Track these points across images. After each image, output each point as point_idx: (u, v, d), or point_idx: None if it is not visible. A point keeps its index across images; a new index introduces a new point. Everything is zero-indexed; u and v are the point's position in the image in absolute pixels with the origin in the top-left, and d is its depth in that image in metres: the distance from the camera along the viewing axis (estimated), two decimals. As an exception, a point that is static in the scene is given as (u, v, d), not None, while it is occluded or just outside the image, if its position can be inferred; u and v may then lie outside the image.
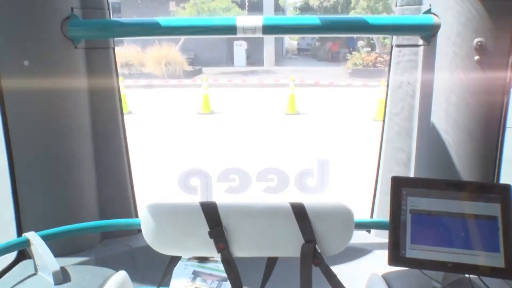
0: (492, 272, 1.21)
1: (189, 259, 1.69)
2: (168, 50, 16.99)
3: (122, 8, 21.54)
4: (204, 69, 18.52)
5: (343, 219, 1.21)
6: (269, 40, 19.57)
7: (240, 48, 20.30)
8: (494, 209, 1.24)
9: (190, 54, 18.87)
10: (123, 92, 8.91)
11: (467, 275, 1.28)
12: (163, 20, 1.80)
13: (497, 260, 1.20)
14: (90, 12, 1.77)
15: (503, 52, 1.56)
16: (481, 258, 1.21)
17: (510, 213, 1.23)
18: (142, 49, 17.31)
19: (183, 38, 15.19)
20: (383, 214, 1.96)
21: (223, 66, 19.92)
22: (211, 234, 1.20)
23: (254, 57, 20.55)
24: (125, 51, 17.46)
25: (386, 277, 1.35)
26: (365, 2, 16.82)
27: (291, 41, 28.68)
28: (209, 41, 19.61)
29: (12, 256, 1.66)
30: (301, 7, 24.81)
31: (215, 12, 19.04)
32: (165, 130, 8.08)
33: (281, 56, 23.34)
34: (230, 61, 20.76)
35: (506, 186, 1.25)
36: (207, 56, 20.28)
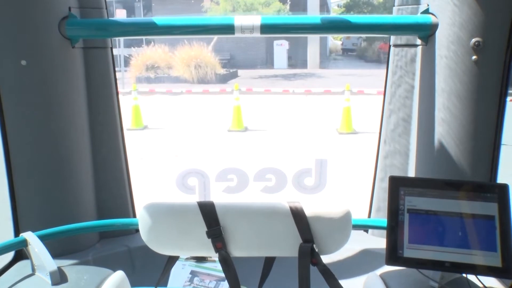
0: (489, 271, 1.21)
1: (187, 259, 1.69)
2: (199, 50, 15.34)
3: (154, 6, 20.90)
4: (240, 71, 16.71)
5: (341, 219, 1.21)
6: (314, 40, 17.82)
7: (280, 48, 18.48)
8: (491, 208, 1.24)
9: (225, 55, 17.23)
10: (136, 102, 8.34)
11: (464, 274, 1.28)
12: (161, 19, 1.80)
13: (494, 260, 1.21)
14: (87, 12, 1.76)
15: (501, 52, 1.56)
16: (479, 258, 1.22)
17: (508, 212, 1.23)
18: (171, 49, 15.77)
19: (216, 37, 13.81)
20: (381, 214, 1.97)
21: (262, 68, 18.09)
22: (209, 234, 1.20)
23: (296, 58, 18.66)
24: (152, 51, 16.17)
25: (383, 277, 1.35)
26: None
27: (334, 41, 27.28)
28: (246, 41, 18.03)
29: (9, 256, 1.66)
30: (346, 4, 23.79)
31: (253, 7, 17.55)
32: (185, 155, 6.34)
33: (325, 57, 21.54)
34: (269, 62, 18.96)
35: (503, 186, 1.26)
36: (244, 57, 18.66)
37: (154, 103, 11.15)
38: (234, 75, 16.13)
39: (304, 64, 18.21)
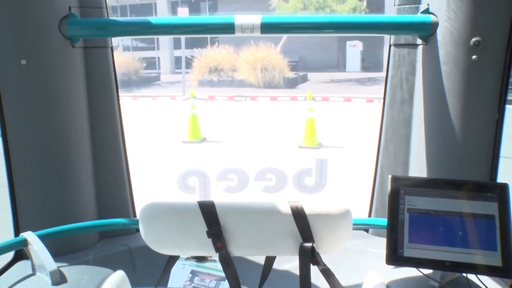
0: (490, 270, 1.21)
1: (187, 258, 1.69)
2: (266, 51, 14.22)
3: (219, 4, 20.84)
4: (309, 75, 15.44)
5: (341, 218, 1.21)
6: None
7: (354, 50, 17.06)
8: (491, 208, 1.24)
9: (293, 57, 16.13)
10: (194, 111, 7.45)
11: (464, 274, 1.28)
12: (160, 19, 1.80)
13: (495, 259, 1.21)
14: (88, 11, 1.76)
15: (501, 51, 1.56)
16: (479, 257, 1.22)
17: (508, 212, 1.23)
18: (236, 50, 14.67)
19: (285, 36, 12.85)
20: (381, 213, 1.97)
21: (333, 71, 16.74)
22: (209, 234, 1.20)
23: (369, 60, 17.07)
24: (215, 52, 15.24)
25: (384, 276, 1.35)
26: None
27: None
28: (317, 41, 16.94)
29: (9, 256, 1.66)
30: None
31: (325, 4, 16.31)
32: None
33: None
34: (341, 65, 17.70)
35: (503, 185, 1.26)
36: (313, 58, 17.48)
37: (214, 110, 10.32)
38: (304, 79, 14.79)
39: (379, 67, 16.17)
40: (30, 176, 1.74)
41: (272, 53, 14.30)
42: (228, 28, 1.67)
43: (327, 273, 1.20)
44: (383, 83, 1.87)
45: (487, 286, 1.26)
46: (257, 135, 7.65)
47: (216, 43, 16.11)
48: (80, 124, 1.81)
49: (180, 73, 16.81)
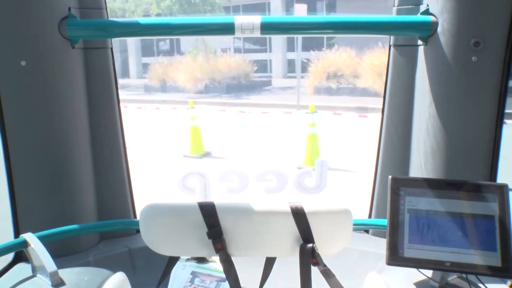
0: (489, 271, 1.22)
1: (187, 259, 1.69)
2: None
3: (338, 3, 19.93)
4: None
5: (342, 219, 1.21)
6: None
7: None
8: (491, 208, 1.25)
9: None
10: (313, 130, 5.87)
11: (464, 274, 1.28)
12: (160, 20, 1.80)
13: (494, 259, 1.21)
14: (87, 12, 1.76)
15: (500, 52, 1.56)
16: (479, 257, 1.22)
17: (507, 212, 1.24)
18: (358, 53, 12.93)
19: None
20: (382, 214, 1.97)
21: None
22: (210, 235, 1.20)
23: None
24: (334, 56, 13.50)
25: (384, 277, 1.35)
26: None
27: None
28: None
29: (9, 257, 1.66)
30: None
31: None
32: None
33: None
34: None
35: (503, 186, 1.26)
36: None
37: (336, 125, 8.54)
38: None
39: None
40: (30, 177, 1.74)
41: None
42: (228, 28, 1.67)
43: (328, 274, 1.20)
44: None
45: (487, 286, 1.26)
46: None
47: (336, 45, 14.48)
48: (80, 125, 1.81)
49: (293, 77, 15.82)
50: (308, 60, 14.43)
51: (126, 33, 1.84)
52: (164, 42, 24.82)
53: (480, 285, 1.26)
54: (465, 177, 1.62)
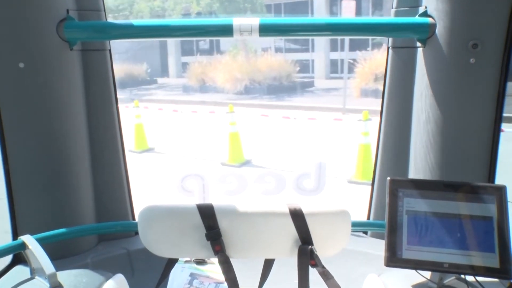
0: (487, 272, 1.22)
1: (186, 261, 1.69)
2: None
3: (385, 4, 18.78)
4: None
5: (340, 221, 1.21)
6: None
7: None
8: (489, 209, 1.25)
9: None
10: (367, 140, 5.47)
11: (463, 276, 1.28)
12: (159, 22, 1.80)
13: (492, 261, 1.21)
14: (86, 14, 1.76)
15: (498, 53, 1.57)
16: (477, 259, 1.22)
17: (505, 213, 1.24)
18: None
19: None
20: (380, 215, 1.97)
21: None
22: (208, 236, 1.20)
23: None
24: (383, 56, 11.21)
25: (383, 278, 1.35)
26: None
27: None
28: None
29: (7, 259, 1.65)
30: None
31: None
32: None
33: None
34: None
35: (501, 187, 1.26)
36: None
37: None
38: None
39: None
40: (29, 179, 1.73)
41: None
42: (227, 30, 1.68)
43: (326, 275, 1.20)
44: None
45: (485, 287, 1.26)
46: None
47: (383, 44, 14.09)
48: (79, 127, 1.81)
49: (336, 78, 15.40)
50: (354, 60, 13.87)
51: (124, 35, 1.84)
52: (204, 41, 23.49)
53: (478, 286, 1.26)
54: (463, 179, 1.62)
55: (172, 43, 22.22)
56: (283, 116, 10.80)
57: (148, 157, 7.88)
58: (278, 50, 21.02)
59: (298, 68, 17.41)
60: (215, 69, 17.02)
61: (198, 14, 19.03)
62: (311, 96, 15.35)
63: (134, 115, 8.36)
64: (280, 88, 16.42)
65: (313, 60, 20.67)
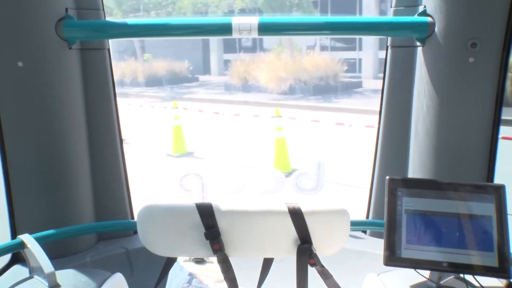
0: (486, 271, 1.22)
1: (185, 260, 1.69)
2: None
3: None
4: None
5: (339, 220, 1.22)
6: None
7: None
8: (488, 209, 1.25)
9: None
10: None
11: (461, 275, 1.29)
12: (157, 20, 1.80)
13: (491, 260, 1.22)
14: (84, 13, 1.76)
15: (497, 52, 1.57)
16: (476, 258, 1.23)
17: (504, 213, 1.24)
18: None
19: None
20: (379, 214, 1.97)
21: None
22: (207, 235, 1.20)
23: None
24: None
25: (382, 277, 1.35)
26: None
27: None
28: None
29: (6, 259, 1.65)
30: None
31: None
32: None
33: None
34: None
35: (500, 186, 1.27)
36: None
37: None
38: None
39: None
40: (27, 178, 1.73)
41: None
42: (226, 29, 1.67)
43: (325, 274, 1.20)
44: None
45: (484, 286, 1.26)
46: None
47: None
48: (78, 126, 1.81)
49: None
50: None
51: (123, 34, 1.84)
52: (247, 38, 23.43)
53: (477, 285, 1.27)
54: (462, 178, 1.62)
55: (214, 39, 21.25)
56: (336, 122, 9.29)
57: (187, 162, 7.27)
58: (323, 48, 19.84)
59: (345, 68, 16.58)
60: (258, 68, 16.27)
61: (242, 10, 18.08)
62: (360, 98, 14.46)
63: (172, 117, 7.79)
64: (326, 88, 15.49)
65: (360, 59, 19.40)
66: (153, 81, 19.20)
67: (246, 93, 15.93)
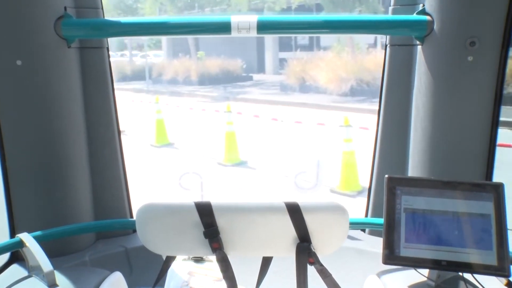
0: (485, 269, 1.22)
1: (184, 259, 1.69)
2: None
3: None
4: None
5: (338, 218, 1.22)
6: None
7: None
8: (487, 207, 1.25)
9: None
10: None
11: (460, 273, 1.29)
12: (156, 19, 1.80)
13: (490, 258, 1.22)
14: (83, 12, 1.76)
15: (496, 51, 1.57)
16: (474, 256, 1.23)
17: (503, 211, 1.24)
18: None
19: None
20: (378, 213, 1.97)
21: None
22: (206, 234, 1.20)
23: None
24: None
25: (380, 276, 1.35)
26: None
27: None
28: None
29: (4, 257, 1.65)
30: None
31: None
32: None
33: None
34: None
35: (498, 185, 1.27)
36: None
37: None
38: None
39: None
40: (26, 177, 1.73)
41: None
42: (225, 28, 1.67)
43: (324, 273, 1.20)
44: None
45: (482, 285, 1.27)
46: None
47: None
48: (76, 125, 1.81)
49: None
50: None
51: (122, 32, 1.84)
52: (303, 36, 20.14)
53: (476, 284, 1.27)
54: (461, 176, 1.62)
55: (270, 37, 19.70)
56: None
57: (239, 173, 6.51)
58: (371, 46, 18.45)
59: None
60: (317, 67, 15.05)
61: (300, 7, 17.18)
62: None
63: (225, 121, 7.09)
64: (372, 90, 14.06)
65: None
66: (206, 80, 18.45)
67: (304, 94, 14.95)
